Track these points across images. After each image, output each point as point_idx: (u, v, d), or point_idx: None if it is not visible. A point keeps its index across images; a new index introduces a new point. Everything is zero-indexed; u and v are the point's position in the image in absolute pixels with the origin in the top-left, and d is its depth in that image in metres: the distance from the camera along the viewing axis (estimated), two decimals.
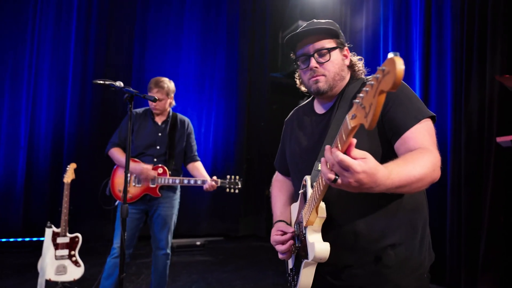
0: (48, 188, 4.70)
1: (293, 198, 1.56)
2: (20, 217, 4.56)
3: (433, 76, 3.78)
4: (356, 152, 0.90)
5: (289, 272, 1.40)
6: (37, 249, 3.59)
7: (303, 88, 1.45)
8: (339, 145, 0.91)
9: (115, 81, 2.21)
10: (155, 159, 2.78)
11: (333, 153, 0.91)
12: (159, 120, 2.89)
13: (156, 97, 2.23)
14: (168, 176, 2.74)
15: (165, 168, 2.76)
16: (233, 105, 5.82)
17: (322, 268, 1.22)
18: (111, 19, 5.11)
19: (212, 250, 4.93)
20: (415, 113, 1.16)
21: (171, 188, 2.81)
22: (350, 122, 0.85)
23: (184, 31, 5.57)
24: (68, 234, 3.08)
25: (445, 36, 3.66)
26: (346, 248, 1.20)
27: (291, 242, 1.31)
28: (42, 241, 2.98)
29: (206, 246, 4.96)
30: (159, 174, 2.71)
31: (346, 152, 0.90)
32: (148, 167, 2.69)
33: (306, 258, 1.19)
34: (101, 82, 2.13)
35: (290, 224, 1.44)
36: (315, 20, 1.37)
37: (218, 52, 5.76)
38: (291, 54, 1.42)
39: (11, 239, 4.51)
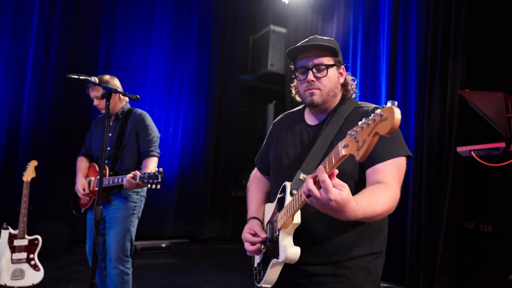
0: (1, 187, 4.37)
1: (268, 197, 1.65)
2: None
3: (398, 87, 3.97)
4: (337, 180, 1.02)
5: (255, 266, 1.49)
6: None
7: (297, 98, 1.55)
8: (327, 167, 1.02)
9: (86, 76, 2.09)
10: (106, 161, 2.58)
11: (319, 172, 1.00)
12: (112, 119, 2.72)
13: (138, 96, 2.02)
14: (107, 177, 2.47)
15: (108, 168, 2.54)
16: (202, 106, 5.75)
17: (288, 267, 1.33)
18: (76, 10, 4.86)
19: (178, 253, 4.83)
20: (393, 149, 1.31)
21: (121, 189, 2.51)
22: (342, 150, 0.96)
23: (154, 28, 5.42)
24: (27, 236, 2.89)
25: (410, 49, 3.86)
26: (313, 254, 1.33)
27: (259, 246, 1.41)
28: None
29: (171, 248, 4.86)
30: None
31: (330, 177, 1.01)
32: (81, 184, 2.61)
33: (276, 258, 1.29)
34: (75, 76, 2.00)
35: (262, 222, 1.53)
36: (318, 36, 1.47)
37: (189, 51, 5.67)
38: (290, 65, 1.52)
39: None
